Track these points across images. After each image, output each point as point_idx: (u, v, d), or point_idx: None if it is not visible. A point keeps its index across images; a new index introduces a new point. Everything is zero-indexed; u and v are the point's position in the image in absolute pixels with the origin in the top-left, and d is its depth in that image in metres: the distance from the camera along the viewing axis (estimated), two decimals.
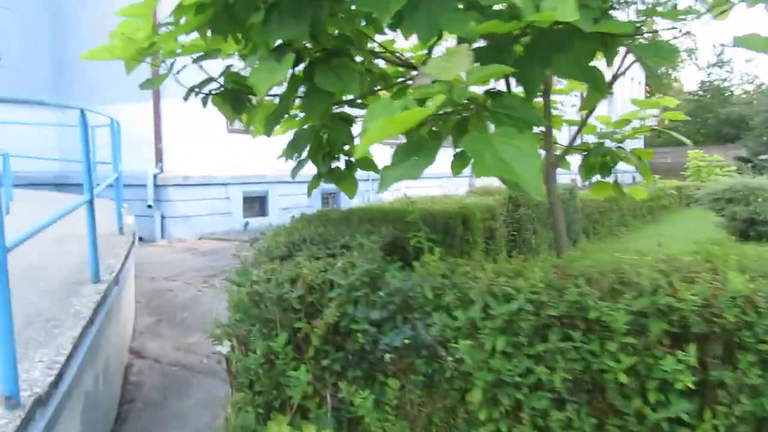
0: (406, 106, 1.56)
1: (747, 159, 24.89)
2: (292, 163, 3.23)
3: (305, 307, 1.85)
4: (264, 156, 11.92)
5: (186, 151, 10.19)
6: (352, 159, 3.62)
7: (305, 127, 3.33)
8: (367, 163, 3.56)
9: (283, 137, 3.38)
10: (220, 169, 10.71)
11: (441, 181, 17.88)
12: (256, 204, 11.64)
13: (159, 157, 9.95)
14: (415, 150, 1.88)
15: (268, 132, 2.55)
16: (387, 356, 1.71)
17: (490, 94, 1.95)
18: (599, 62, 2.16)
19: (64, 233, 4.89)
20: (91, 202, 2.98)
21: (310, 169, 3.45)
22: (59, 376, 2.05)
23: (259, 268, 1.98)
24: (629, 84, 27.86)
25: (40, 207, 6.72)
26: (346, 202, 13.99)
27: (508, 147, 1.63)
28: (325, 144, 3.44)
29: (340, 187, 3.65)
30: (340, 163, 3.59)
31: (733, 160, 24.73)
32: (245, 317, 1.85)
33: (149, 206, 9.83)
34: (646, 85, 29.64)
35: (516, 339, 1.70)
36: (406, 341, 1.74)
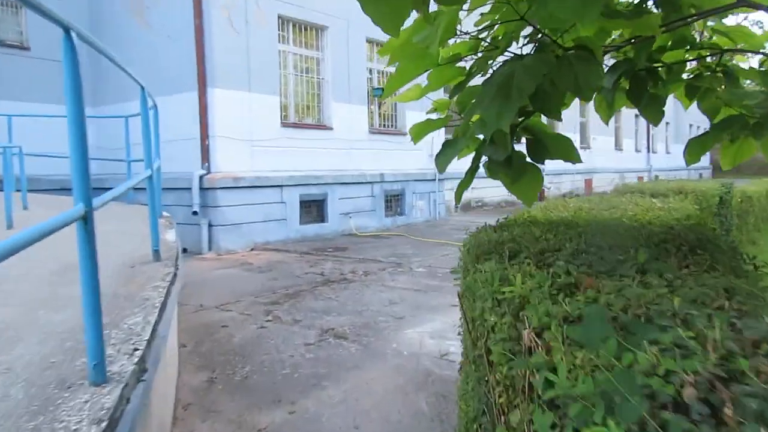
0: None
1: None
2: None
3: None
4: (320, 152, 10.37)
5: (236, 148, 8.72)
6: (543, 140, 2.08)
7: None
8: (565, 146, 2.02)
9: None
10: (274, 169, 9.22)
11: None
12: (313, 208, 10.12)
13: (205, 156, 8.52)
14: None
15: None
16: None
17: None
18: None
19: (66, 262, 3.37)
20: (86, 221, 1.42)
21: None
22: None
23: None
24: None
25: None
26: (410, 206, 12.28)
27: None
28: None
29: (515, 188, 2.08)
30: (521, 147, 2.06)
31: None
32: None
33: (194, 213, 8.40)
34: None
35: None
36: None
